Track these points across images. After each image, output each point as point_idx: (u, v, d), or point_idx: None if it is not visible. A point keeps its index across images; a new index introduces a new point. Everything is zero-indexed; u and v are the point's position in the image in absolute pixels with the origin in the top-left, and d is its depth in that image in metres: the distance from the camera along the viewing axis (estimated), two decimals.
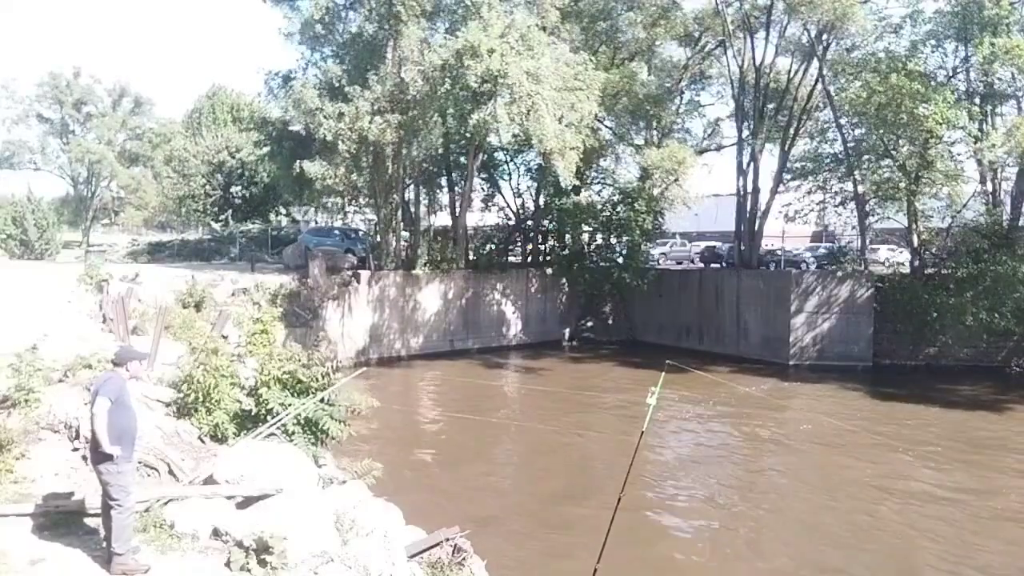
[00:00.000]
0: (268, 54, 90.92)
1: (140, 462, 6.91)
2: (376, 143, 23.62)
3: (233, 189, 36.36)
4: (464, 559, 6.65)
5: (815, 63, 26.64)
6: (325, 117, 23.10)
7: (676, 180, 26.98)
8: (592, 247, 31.84)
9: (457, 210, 30.07)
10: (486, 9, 22.61)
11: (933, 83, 23.63)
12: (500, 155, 32.86)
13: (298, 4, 26.75)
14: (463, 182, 29.67)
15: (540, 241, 33.04)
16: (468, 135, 25.10)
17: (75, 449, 7.37)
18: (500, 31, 21.92)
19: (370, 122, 22.94)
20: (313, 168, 23.77)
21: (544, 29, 24.29)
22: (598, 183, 33.10)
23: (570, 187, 27.36)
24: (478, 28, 21.85)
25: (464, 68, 21.43)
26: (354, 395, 9.57)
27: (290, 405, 8.52)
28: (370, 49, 25.20)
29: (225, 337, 12.55)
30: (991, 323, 22.03)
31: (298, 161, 24.29)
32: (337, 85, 24.15)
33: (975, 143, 22.97)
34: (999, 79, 23.66)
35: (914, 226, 25.75)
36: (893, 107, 22.91)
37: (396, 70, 24.49)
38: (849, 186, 27.56)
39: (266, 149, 28.54)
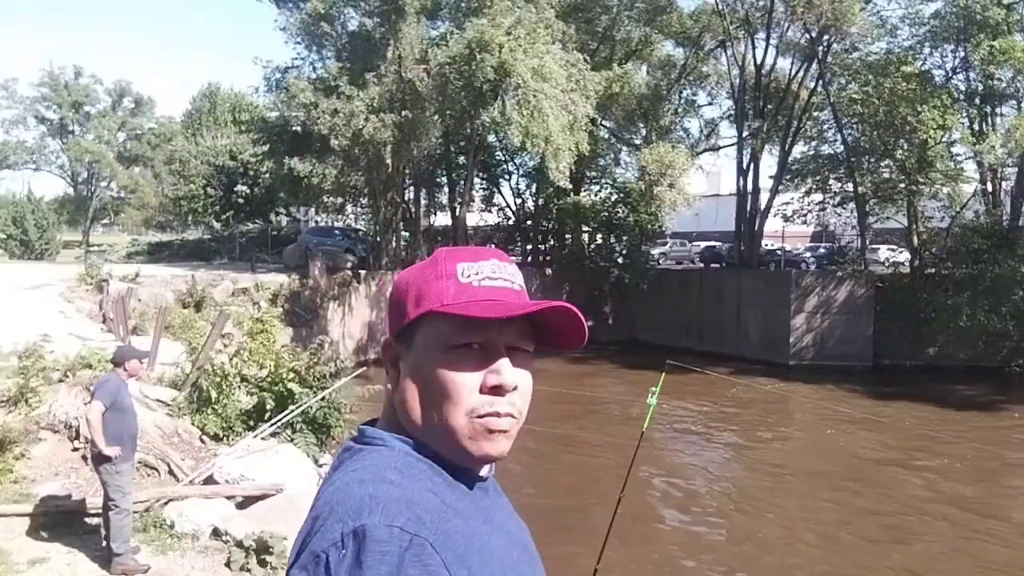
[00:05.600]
0: (268, 51, 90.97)
1: (140, 462, 6.92)
2: (372, 141, 23.47)
3: (236, 189, 36.35)
4: None
5: (815, 63, 26.62)
6: (320, 113, 22.97)
7: (671, 184, 26.84)
8: (592, 247, 31.83)
9: (457, 210, 30.07)
10: (496, 5, 22.41)
11: (931, 85, 23.62)
12: (500, 155, 32.86)
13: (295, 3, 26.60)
14: (463, 182, 29.65)
15: (540, 241, 33.04)
16: (477, 134, 24.95)
17: (75, 449, 7.38)
18: (508, 27, 21.84)
19: (366, 120, 22.80)
20: (302, 167, 23.64)
21: (545, 29, 24.24)
22: (597, 183, 33.13)
23: (570, 187, 27.35)
24: (489, 24, 21.72)
25: (478, 62, 21.30)
26: (355, 394, 9.58)
27: (291, 404, 8.53)
28: (369, 47, 25.14)
29: (225, 336, 12.55)
30: (989, 323, 22.01)
31: (287, 159, 24.15)
32: (333, 83, 24.05)
33: (974, 144, 22.95)
34: (999, 79, 23.64)
35: (914, 226, 25.73)
36: (889, 109, 22.90)
37: (396, 67, 24.39)
38: (849, 186, 27.56)
39: (265, 148, 28.48)
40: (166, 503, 6.56)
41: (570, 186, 26.40)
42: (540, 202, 32.49)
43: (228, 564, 5.71)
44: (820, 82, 26.77)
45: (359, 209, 33.75)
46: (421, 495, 0.91)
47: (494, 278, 1.01)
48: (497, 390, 0.97)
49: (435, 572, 0.83)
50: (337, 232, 30.10)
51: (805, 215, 29.90)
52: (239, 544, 5.83)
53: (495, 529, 0.98)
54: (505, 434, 0.99)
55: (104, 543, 5.59)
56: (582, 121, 23.78)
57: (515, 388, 0.99)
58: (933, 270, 25.15)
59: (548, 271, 30.63)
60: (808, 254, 31.55)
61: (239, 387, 9.17)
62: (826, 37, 25.87)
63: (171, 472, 7.30)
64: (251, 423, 8.61)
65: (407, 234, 28.97)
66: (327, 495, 0.93)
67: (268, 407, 8.62)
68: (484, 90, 21.98)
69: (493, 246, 31.97)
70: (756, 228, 28.44)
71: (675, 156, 26.63)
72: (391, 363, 1.04)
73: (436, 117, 24.42)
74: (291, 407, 8.41)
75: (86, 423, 5.58)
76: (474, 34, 21.46)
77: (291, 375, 8.93)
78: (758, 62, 27.73)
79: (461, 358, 0.97)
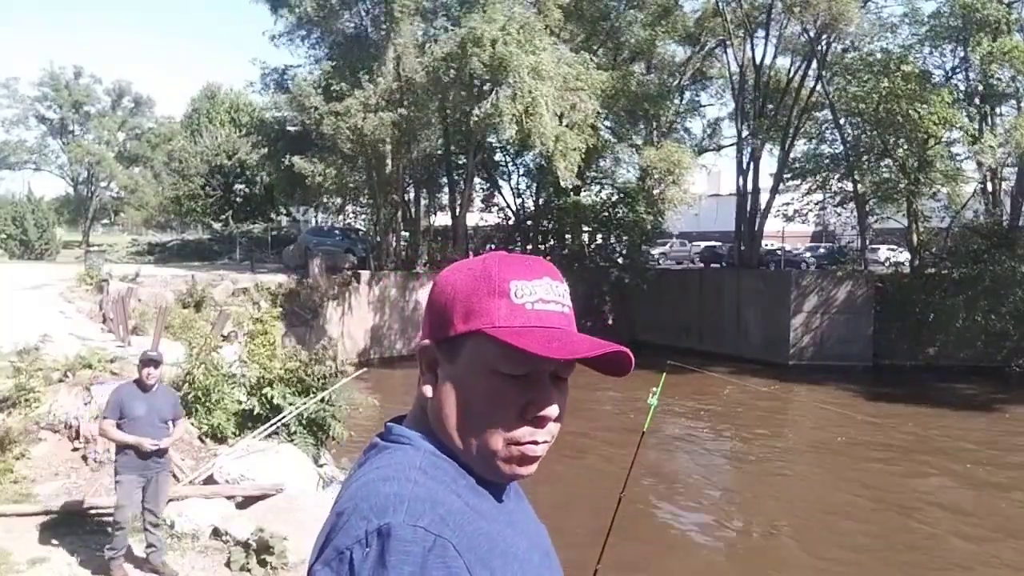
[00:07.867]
0: (269, 51, 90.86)
1: None
2: (372, 141, 23.45)
3: (235, 189, 36.35)
4: None
5: (814, 62, 26.61)
6: (322, 114, 22.98)
7: (674, 181, 26.90)
8: (592, 247, 31.79)
9: (457, 210, 30.04)
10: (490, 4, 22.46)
11: (931, 84, 23.60)
12: (500, 155, 32.84)
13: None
14: (463, 182, 29.63)
15: (540, 241, 33.01)
16: (470, 130, 24.95)
17: (75, 449, 7.38)
18: (501, 23, 21.87)
19: (364, 119, 22.80)
20: (303, 165, 23.64)
21: (547, 29, 24.24)
22: (597, 183, 33.11)
23: (571, 187, 27.33)
24: (482, 19, 21.77)
25: (468, 56, 21.35)
26: (355, 395, 9.58)
27: (291, 405, 8.52)
28: (364, 48, 25.14)
29: (225, 336, 12.54)
30: (989, 323, 21.99)
31: (288, 155, 24.16)
32: (328, 83, 24.06)
33: (972, 143, 22.92)
34: (998, 79, 23.62)
35: (914, 226, 25.72)
36: (889, 107, 22.88)
37: (394, 67, 24.39)
38: (849, 186, 27.55)
39: (264, 151, 28.47)
40: (166, 503, 6.56)
41: (579, 182, 26.40)
42: (540, 202, 32.46)
43: (228, 564, 5.70)
44: (820, 81, 26.76)
45: (359, 209, 33.73)
46: (445, 496, 0.91)
47: (547, 301, 0.98)
48: (539, 420, 0.96)
49: (457, 574, 0.84)
50: (337, 232, 30.09)
51: (805, 215, 29.88)
52: (239, 544, 5.83)
53: (517, 532, 0.99)
54: (538, 458, 0.99)
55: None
56: (590, 118, 23.84)
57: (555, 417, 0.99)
58: (933, 270, 25.13)
59: None
60: (808, 254, 31.54)
61: (238, 387, 9.17)
62: (824, 36, 25.87)
63: (171, 472, 7.30)
64: (249, 424, 8.60)
65: (407, 234, 28.95)
66: (351, 491, 0.94)
67: (256, 411, 8.58)
68: (479, 84, 22.01)
69: (492, 247, 32.03)
70: (756, 228, 28.43)
71: (681, 155, 26.68)
72: (427, 367, 1.02)
73: (435, 114, 24.43)
74: (288, 409, 8.40)
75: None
76: (466, 32, 21.53)
77: (286, 374, 8.90)
78: (758, 61, 27.75)
79: (506, 385, 0.95)
